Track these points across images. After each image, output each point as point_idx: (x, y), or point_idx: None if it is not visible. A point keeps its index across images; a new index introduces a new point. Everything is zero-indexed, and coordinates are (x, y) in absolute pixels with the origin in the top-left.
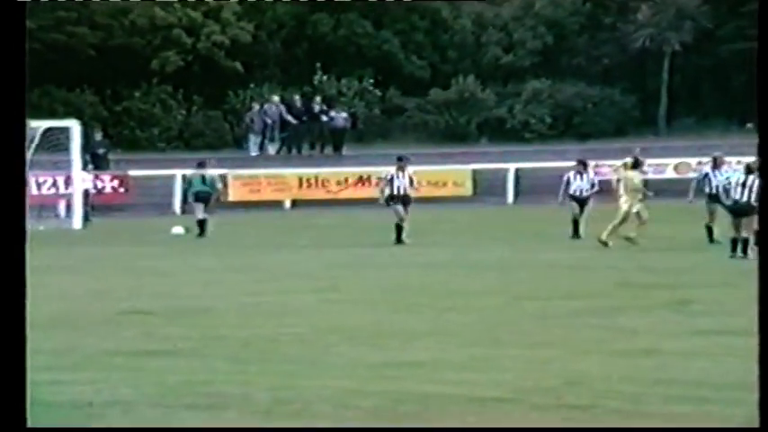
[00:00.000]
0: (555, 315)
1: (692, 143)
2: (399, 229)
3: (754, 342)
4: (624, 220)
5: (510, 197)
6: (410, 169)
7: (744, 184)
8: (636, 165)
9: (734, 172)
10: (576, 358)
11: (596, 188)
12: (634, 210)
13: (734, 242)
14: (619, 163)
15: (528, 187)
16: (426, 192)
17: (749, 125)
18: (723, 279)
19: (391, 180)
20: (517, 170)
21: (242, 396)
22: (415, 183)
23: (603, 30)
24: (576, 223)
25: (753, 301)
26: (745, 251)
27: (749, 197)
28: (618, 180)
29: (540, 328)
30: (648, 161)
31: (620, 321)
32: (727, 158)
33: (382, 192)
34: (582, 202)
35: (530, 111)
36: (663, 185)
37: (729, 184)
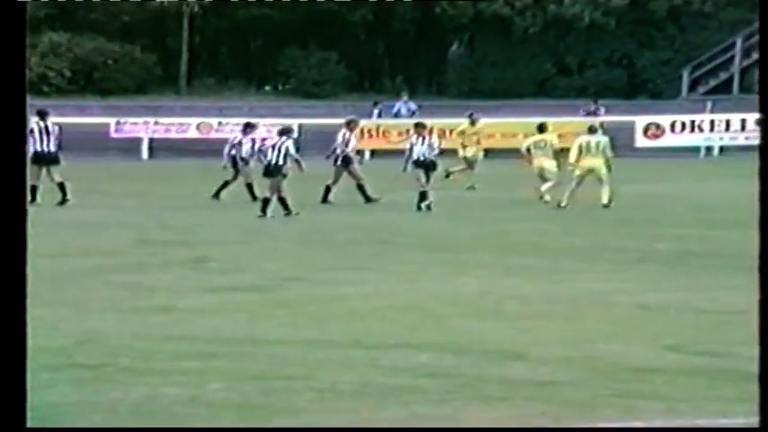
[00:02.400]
0: (70, 273)
1: (212, 104)
2: None
3: (261, 297)
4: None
5: None
6: None
7: (274, 146)
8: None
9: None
10: (91, 316)
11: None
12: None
13: (265, 202)
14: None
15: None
16: None
17: (267, 88)
18: (238, 237)
19: None
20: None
21: None
22: None
23: None
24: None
25: (263, 258)
26: (264, 210)
27: (277, 159)
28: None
29: (54, 287)
30: (171, 120)
31: (138, 279)
32: (258, 120)
33: None
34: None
35: (47, 63)
36: (186, 145)
37: (264, 145)
